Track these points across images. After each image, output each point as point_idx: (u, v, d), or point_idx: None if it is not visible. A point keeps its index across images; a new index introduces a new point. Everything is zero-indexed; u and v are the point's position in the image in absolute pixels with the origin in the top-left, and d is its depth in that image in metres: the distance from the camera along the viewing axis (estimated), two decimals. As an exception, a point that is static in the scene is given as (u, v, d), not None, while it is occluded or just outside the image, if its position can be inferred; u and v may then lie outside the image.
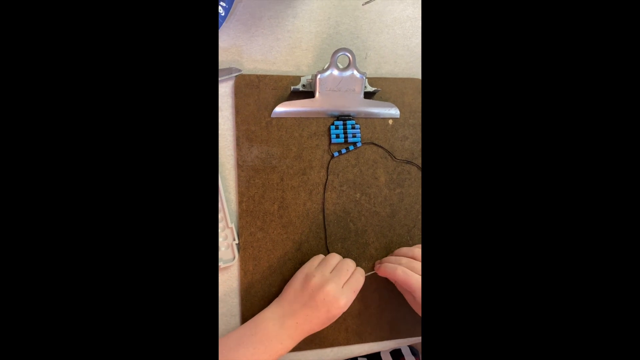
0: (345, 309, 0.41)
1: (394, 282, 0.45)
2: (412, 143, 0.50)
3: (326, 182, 0.47)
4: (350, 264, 0.43)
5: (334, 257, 0.44)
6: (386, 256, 0.47)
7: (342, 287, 0.41)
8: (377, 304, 0.48)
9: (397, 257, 0.45)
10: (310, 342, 0.45)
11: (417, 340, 0.50)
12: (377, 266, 0.46)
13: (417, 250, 0.45)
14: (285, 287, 0.43)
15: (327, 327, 0.46)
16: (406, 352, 0.52)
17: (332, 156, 0.48)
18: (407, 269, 0.42)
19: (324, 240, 0.47)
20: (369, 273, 0.46)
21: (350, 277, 0.42)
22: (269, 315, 0.41)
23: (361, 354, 0.49)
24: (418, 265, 0.42)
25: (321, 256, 0.45)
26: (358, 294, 0.42)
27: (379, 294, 0.48)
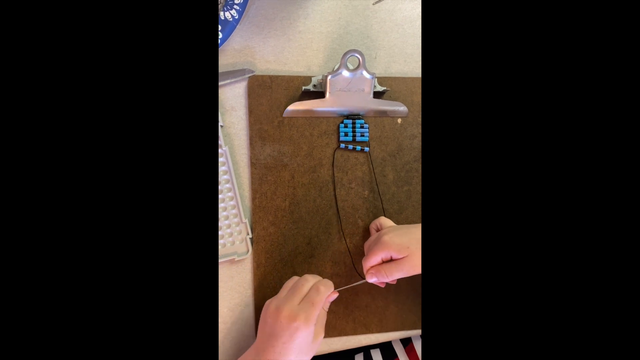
0: (308, 323, 0.37)
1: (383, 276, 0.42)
2: (420, 142, 0.51)
3: (333, 173, 0.49)
4: (308, 279, 0.41)
5: (291, 280, 0.43)
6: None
7: (299, 303, 0.39)
8: (384, 296, 0.50)
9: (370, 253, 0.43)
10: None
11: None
12: (368, 277, 0.43)
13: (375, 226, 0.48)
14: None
15: (334, 317, 0.49)
16: (416, 340, 0.54)
17: (338, 147, 0.49)
18: (378, 243, 0.41)
19: (332, 236, 0.49)
20: (357, 283, 0.45)
21: (309, 291, 0.40)
22: (247, 358, 0.40)
23: (369, 344, 0.51)
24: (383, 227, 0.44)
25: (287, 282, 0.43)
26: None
27: (386, 287, 0.50)
